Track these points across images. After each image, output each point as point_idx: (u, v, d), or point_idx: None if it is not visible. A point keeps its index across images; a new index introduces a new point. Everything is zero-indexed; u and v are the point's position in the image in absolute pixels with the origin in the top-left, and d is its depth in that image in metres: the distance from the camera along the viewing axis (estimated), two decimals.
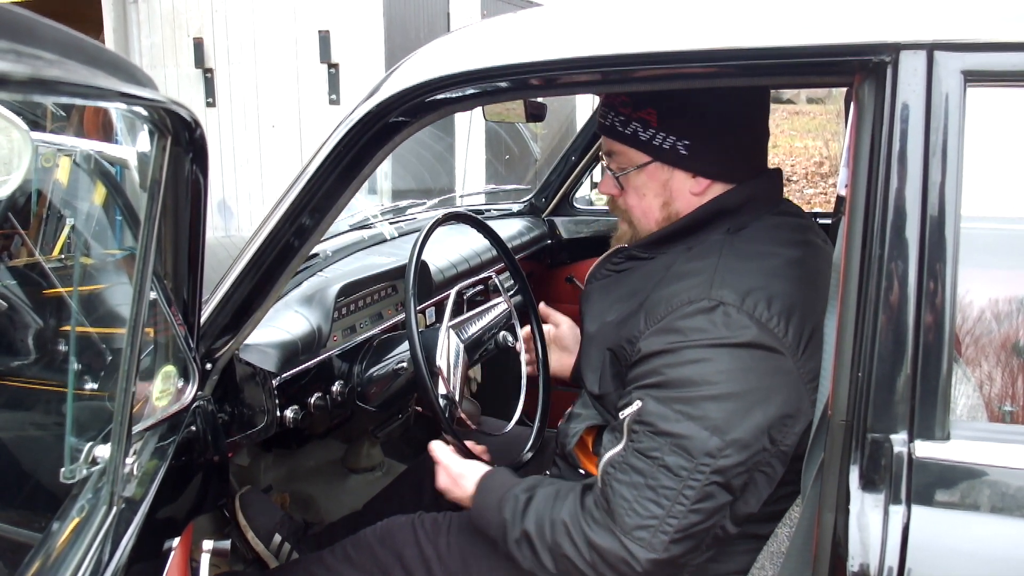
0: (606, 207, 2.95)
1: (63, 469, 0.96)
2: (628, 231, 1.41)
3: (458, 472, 1.42)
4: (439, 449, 1.47)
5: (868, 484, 0.89)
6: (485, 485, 1.36)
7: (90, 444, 0.96)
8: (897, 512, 0.87)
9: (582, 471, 1.44)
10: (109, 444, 0.94)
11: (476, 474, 1.39)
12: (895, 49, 0.88)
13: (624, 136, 1.28)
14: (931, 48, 0.87)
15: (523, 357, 1.77)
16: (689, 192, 1.28)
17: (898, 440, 0.88)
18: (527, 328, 1.80)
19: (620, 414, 1.20)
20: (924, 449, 0.88)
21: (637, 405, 1.17)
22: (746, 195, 1.27)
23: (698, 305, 1.13)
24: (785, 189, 1.37)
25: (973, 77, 0.87)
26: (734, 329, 1.11)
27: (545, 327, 1.81)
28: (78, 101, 0.78)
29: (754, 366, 1.11)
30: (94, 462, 0.96)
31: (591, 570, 1.17)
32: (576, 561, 1.18)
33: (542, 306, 1.81)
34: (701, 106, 1.24)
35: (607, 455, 1.21)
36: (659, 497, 1.11)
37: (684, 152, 1.25)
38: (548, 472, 1.54)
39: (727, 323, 1.11)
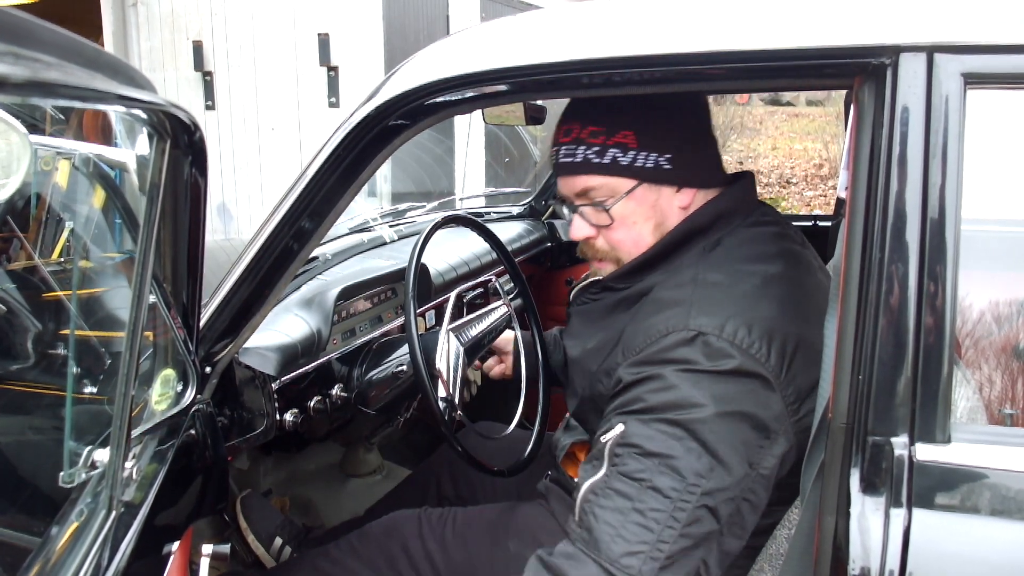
0: None
1: (62, 473, 0.96)
2: (613, 270, 1.33)
3: None
4: None
5: (869, 487, 0.89)
6: None
7: (89, 448, 0.96)
8: (898, 515, 0.87)
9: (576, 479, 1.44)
10: (108, 448, 0.94)
11: None
12: (895, 51, 0.88)
13: (603, 167, 1.22)
14: (931, 50, 0.87)
15: (523, 360, 1.77)
16: (678, 207, 1.26)
17: (899, 443, 0.88)
18: (517, 333, 1.81)
19: (601, 439, 1.15)
20: (925, 452, 0.88)
21: (619, 428, 1.12)
22: (717, 210, 1.24)
23: (677, 336, 1.10)
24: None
25: (973, 79, 0.86)
26: (716, 359, 1.08)
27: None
28: (77, 104, 0.78)
29: (737, 393, 1.08)
30: (93, 466, 0.96)
31: None
32: None
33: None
34: (676, 117, 1.23)
35: (586, 484, 1.15)
36: (648, 520, 1.06)
37: (668, 167, 1.22)
38: (548, 474, 1.54)
39: (708, 353, 1.08)
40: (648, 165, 1.22)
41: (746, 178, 1.31)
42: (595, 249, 1.31)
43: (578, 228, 1.29)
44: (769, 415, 1.09)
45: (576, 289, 1.43)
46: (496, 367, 1.85)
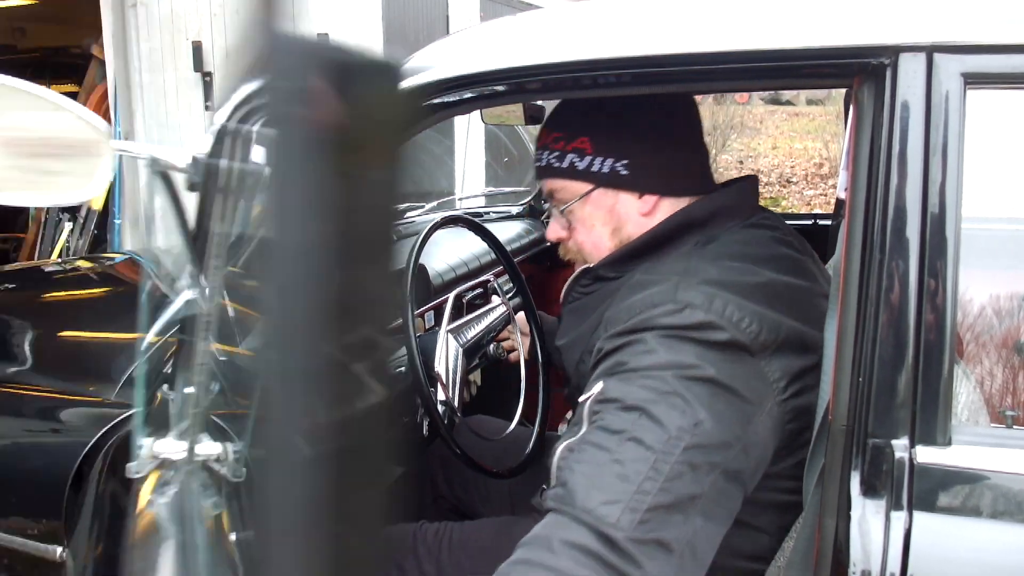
0: None
1: (131, 464, 0.99)
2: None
3: None
4: None
5: (869, 490, 0.88)
6: None
7: (152, 440, 0.99)
8: (899, 518, 0.87)
9: None
10: (168, 439, 0.98)
11: None
12: (895, 51, 0.87)
13: (562, 171, 1.26)
14: (930, 50, 0.86)
15: (520, 347, 1.77)
16: (638, 213, 1.25)
17: (899, 445, 0.87)
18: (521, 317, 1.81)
19: (579, 399, 1.12)
20: (925, 454, 0.87)
21: (599, 387, 1.08)
22: (714, 206, 1.23)
23: (663, 308, 1.07)
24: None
25: (973, 79, 0.86)
26: (703, 330, 1.05)
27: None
28: None
29: (723, 362, 1.04)
30: (157, 459, 0.98)
31: None
32: None
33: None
34: (634, 124, 1.22)
35: (562, 444, 1.12)
36: (627, 470, 0.98)
37: (624, 172, 1.23)
38: (544, 488, 1.54)
39: (695, 323, 1.05)
40: (604, 170, 1.23)
41: (748, 181, 1.31)
42: (567, 250, 1.36)
43: (551, 230, 1.35)
44: (754, 392, 1.05)
45: (567, 285, 1.41)
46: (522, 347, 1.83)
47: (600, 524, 0.96)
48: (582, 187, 1.26)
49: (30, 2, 7.13)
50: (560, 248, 1.37)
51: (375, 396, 0.73)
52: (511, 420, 1.72)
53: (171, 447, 0.99)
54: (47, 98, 0.84)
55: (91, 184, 0.86)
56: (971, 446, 0.87)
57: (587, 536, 0.96)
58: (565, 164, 1.25)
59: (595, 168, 1.24)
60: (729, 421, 1.03)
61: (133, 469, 0.99)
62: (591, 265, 1.32)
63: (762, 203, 1.36)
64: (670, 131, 1.26)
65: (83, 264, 2.58)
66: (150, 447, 0.99)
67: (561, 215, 1.30)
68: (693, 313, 1.05)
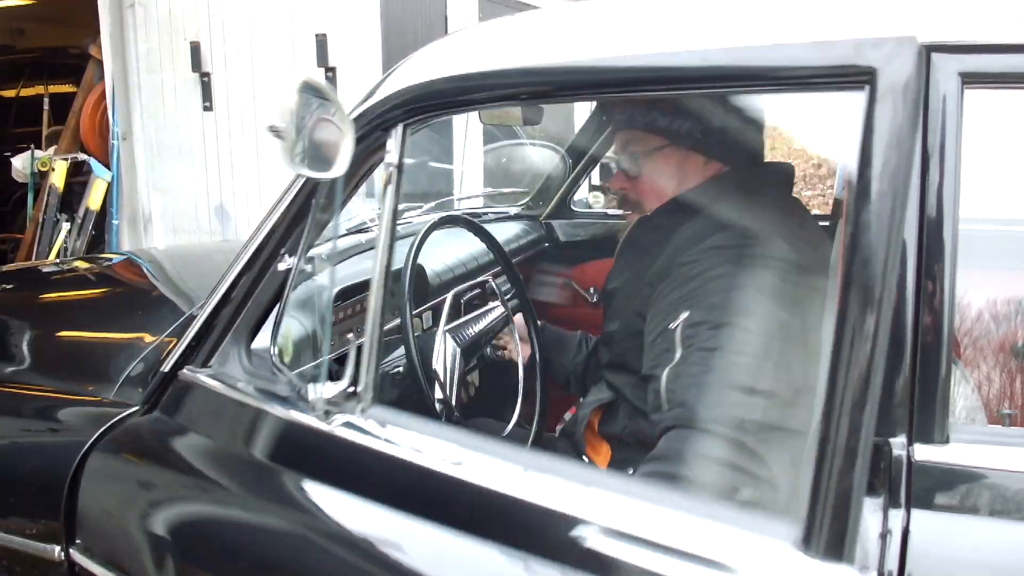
0: (604, 210, 2.95)
1: (315, 401, 1.14)
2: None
3: None
4: None
5: (867, 488, 0.88)
6: None
7: (314, 384, 1.16)
8: (896, 516, 0.87)
9: (586, 458, 1.45)
10: (328, 384, 1.16)
11: None
12: None
13: (643, 123, 1.39)
14: (928, 50, 0.86)
15: (518, 349, 1.78)
16: (702, 175, 1.38)
17: (897, 444, 0.88)
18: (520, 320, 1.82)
19: (669, 327, 1.20)
20: (923, 453, 0.87)
21: (685, 314, 1.18)
22: (757, 175, 1.36)
23: (725, 233, 1.21)
24: None
25: (970, 79, 0.86)
26: (765, 245, 1.17)
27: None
28: None
29: (786, 276, 1.15)
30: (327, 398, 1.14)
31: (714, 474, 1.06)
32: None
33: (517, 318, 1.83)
34: None
35: (665, 370, 1.18)
36: (734, 378, 1.09)
37: (700, 136, 1.35)
38: None
39: (756, 241, 1.18)
40: (683, 129, 1.35)
41: (786, 164, 1.44)
42: (628, 201, 1.48)
43: (615, 180, 1.48)
44: (812, 303, 1.13)
45: (623, 238, 1.53)
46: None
47: (724, 429, 1.05)
48: (658, 141, 1.38)
49: (29, 2, 7.12)
50: (620, 200, 1.51)
51: None
52: (508, 422, 1.72)
53: (333, 389, 1.16)
54: (327, 94, 1.04)
55: (339, 164, 1.03)
56: (969, 444, 0.88)
57: (715, 443, 1.05)
58: (648, 118, 1.38)
59: (675, 126, 1.35)
60: (797, 323, 1.13)
61: (319, 407, 1.14)
62: (648, 214, 1.45)
63: None
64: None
65: (81, 264, 2.57)
66: (321, 391, 1.15)
67: (631, 166, 1.42)
68: (753, 233, 1.18)
